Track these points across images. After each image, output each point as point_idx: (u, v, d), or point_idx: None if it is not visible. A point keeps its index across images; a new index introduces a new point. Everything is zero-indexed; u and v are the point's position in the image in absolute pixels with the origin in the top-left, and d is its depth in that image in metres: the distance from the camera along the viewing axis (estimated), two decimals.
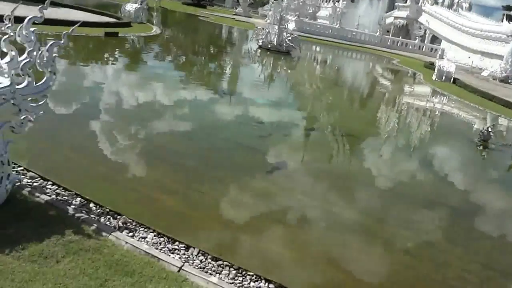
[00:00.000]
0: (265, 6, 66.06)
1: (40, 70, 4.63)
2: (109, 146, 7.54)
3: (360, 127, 12.97)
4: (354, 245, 5.70)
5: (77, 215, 4.80)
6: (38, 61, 4.53)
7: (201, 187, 6.56)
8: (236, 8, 64.49)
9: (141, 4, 28.49)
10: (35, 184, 5.36)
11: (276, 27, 25.12)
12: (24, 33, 4.56)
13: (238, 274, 4.50)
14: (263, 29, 26.12)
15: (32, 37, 4.55)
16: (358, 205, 7.10)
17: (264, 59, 24.18)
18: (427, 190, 8.48)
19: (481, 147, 12.20)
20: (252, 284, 4.41)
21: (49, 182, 5.48)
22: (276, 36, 25.13)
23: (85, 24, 20.93)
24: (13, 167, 5.54)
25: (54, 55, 4.64)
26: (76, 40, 17.94)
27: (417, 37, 47.00)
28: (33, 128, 6.26)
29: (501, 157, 12.16)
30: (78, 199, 5.25)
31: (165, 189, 6.30)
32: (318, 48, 37.28)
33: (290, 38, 25.50)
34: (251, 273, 4.53)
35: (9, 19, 4.55)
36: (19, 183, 5.11)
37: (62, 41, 4.66)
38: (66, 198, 5.20)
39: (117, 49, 18.39)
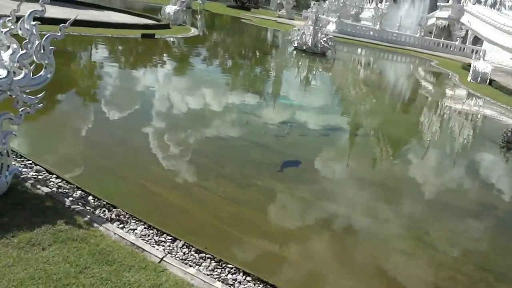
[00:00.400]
0: (309, 8, 65.57)
1: (38, 62, 4.78)
2: (122, 141, 7.71)
3: (388, 128, 12.68)
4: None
5: (73, 206, 4.94)
6: (35, 53, 4.66)
7: (206, 183, 6.60)
8: (279, 10, 64.41)
9: (180, 6, 29.10)
10: (39, 177, 5.55)
11: (311, 28, 24.81)
12: (25, 26, 4.72)
13: (218, 266, 4.54)
14: (298, 30, 25.89)
15: (34, 31, 4.70)
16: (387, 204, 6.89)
17: (298, 61, 24.02)
18: (447, 191, 8.13)
19: (504, 149, 11.72)
20: (229, 276, 4.44)
21: (54, 176, 5.66)
22: (311, 37, 24.83)
23: (123, 26, 21.81)
24: (22, 161, 5.79)
25: (51, 47, 4.75)
26: (113, 41, 18.57)
27: (458, 38, 44.98)
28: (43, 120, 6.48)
29: None
30: (79, 192, 5.40)
31: (169, 184, 6.36)
32: (356, 50, 36.64)
33: (325, 39, 25.10)
34: (230, 266, 4.56)
35: (12, 13, 4.74)
36: (22, 176, 5.30)
37: (59, 34, 4.77)
38: (66, 190, 5.35)
39: (150, 50, 18.87)
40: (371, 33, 46.07)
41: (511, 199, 8.78)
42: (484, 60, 27.99)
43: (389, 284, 4.99)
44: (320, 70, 22.54)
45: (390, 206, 7.18)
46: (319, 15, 25.76)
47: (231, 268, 4.53)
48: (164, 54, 18.98)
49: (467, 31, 48.46)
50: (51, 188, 5.28)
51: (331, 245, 5.63)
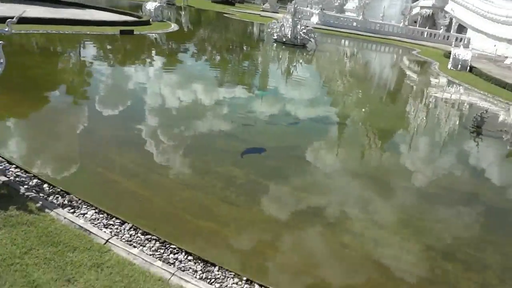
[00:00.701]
0: (293, 1, 65.59)
1: None
2: (85, 131, 7.96)
3: (360, 115, 13.01)
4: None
5: (27, 194, 5.17)
6: None
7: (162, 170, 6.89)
8: (263, 4, 64.40)
9: (160, 3, 29.17)
10: None
11: (290, 20, 25.01)
12: None
13: (162, 247, 4.81)
14: (278, 22, 26.08)
15: None
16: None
17: (277, 53, 24.24)
18: (413, 174, 8.48)
19: (474, 133, 12.04)
20: (171, 255, 4.71)
21: (13, 166, 5.90)
22: (290, 29, 25.05)
23: (103, 23, 21.92)
24: None
25: (0, 42, 4.97)
26: (91, 38, 18.72)
27: (442, 27, 45.37)
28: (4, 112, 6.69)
29: (490, 143, 11.78)
30: (35, 180, 5.64)
31: (127, 172, 6.63)
32: (339, 41, 36.92)
33: (305, 30, 25.33)
34: (173, 246, 4.84)
35: None
36: None
37: (6, 29, 4.98)
38: (23, 179, 5.59)
39: (127, 45, 19.06)
40: (355, 24, 46.35)
41: (472, 181, 9.10)
42: (464, 47, 28.38)
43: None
44: (300, 61, 22.77)
45: (346, 189, 7.49)
46: (302, 8, 25.97)
47: (174, 249, 4.82)
48: (140, 49, 19.14)
49: (451, 19, 48.82)
50: (8, 177, 5.53)
51: (278, 228, 5.91)
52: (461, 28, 48.27)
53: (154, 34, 23.02)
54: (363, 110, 14.01)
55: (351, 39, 38.54)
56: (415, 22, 53.72)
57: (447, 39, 45.18)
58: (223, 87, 14.04)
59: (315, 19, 43.92)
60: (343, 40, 37.51)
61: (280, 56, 23.50)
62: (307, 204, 6.64)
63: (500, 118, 14.80)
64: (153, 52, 19.04)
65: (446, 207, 7.28)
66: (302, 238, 5.68)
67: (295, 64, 21.78)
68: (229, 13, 48.75)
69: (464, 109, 16.27)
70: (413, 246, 5.79)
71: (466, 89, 19.75)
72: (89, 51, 16.74)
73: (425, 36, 46.47)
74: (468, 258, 5.76)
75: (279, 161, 8.20)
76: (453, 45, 29.01)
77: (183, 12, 41.34)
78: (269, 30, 26.46)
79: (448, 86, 20.55)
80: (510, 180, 9.33)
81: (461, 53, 25.90)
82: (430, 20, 53.40)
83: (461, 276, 5.30)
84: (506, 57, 33.47)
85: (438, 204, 7.36)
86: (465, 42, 46.43)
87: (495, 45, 38.41)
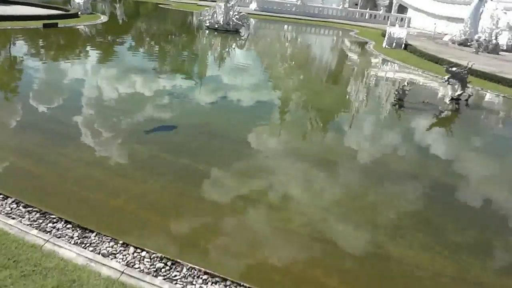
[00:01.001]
0: None
1: None
2: None
3: (287, 94, 13.35)
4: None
5: None
6: None
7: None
8: None
9: None
10: None
11: (223, 6, 25.07)
12: None
13: (42, 217, 4.93)
14: (210, 8, 26.05)
15: None
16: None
17: (210, 39, 24.26)
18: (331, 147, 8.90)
19: (396, 106, 12.56)
20: (50, 224, 4.84)
21: None
22: (222, 15, 25.13)
23: (25, 18, 21.13)
24: None
25: None
26: (11, 33, 18.06)
27: (382, 8, 46.85)
28: None
29: (410, 114, 12.41)
30: None
31: (22, 153, 6.63)
32: (277, 26, 37.29)
33: (237, 16, 25.49)
34: (53, 216, 4.96)
35: None
36: None
37: None
38: None
39: (48, 38, 18.57)
40: (294, 9, 46.96)
41: (393, 154, 9.55)
42: (400, 26, 29.33)
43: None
44: (232, 47, 22.90)
45: (250, 160, 7.78)
46: None
47: (54, 218, 4.93)
48: (62, 41, 18.69)
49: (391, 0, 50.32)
50: None
51: (171, 197, 6.09)
52: (403, 9, 49.95)
53: (81, 26, 22.44)
54: (282, 89, 14.36)
55: (290, 24, 39.07)
56: (356, 4, 55.06)
57: (388, 20, 46.61)
58: (144, 74, 13.97)
59: (253, 6, 44.19)
60: (281, 25, 37.94)
61: (213, 42, 23.56)
62: (202, 175, 6.85)
63: (424, 91, 15.54)
64: (77, 43, 18.61)
65: (374, 182, 7.43)
66: (191, 207, 5.89)
67: (227, 49, 21.90)
68: (164, 4, 47.91)
69: (392, 84, 16.92)
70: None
71: (398, 65, 20.55)
72: (6, 46, 16.19)
73: (366, 17, 47.67)
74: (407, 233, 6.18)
75: (188, 138, 8.35)
76: (388, 24, 29.94)
77: (118, 4, 40.30)
78: (201, 17, 26.35)
79: (382, 64, 21.26)
80: (428, 150, 9.76)
81: (396, 32, 26.71)
82: (371, 2, 54.83)
83: (404, 252, 5.41)
84: (446, 34, 34.71)
85: (366, 179, 7.52)
86: (406, 21, 48.30)
87: (435, 23, 39.96)
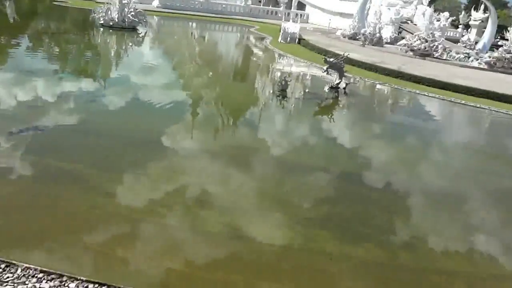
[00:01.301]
0: None
1: None
2: None
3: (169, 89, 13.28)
4: None
5: None
6: None
7: None
8: None
9: None
10: None
11: (118, 2, 24.23)
12: None
13: None
14: (104, 5, 25.02)
15: None
16: None
17: (104, 38, 23.36)
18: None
19: (280, 97, 13.14)
20: None
21: None
22: (117, 12, 24.31)
23: None
24: None
25: None
26: None
27: (282, 4, 48.51)
28: None
29: (293, 104, 13.10)
30: None
31: None
32: (179, 23, 37.03)
33: (133, 13, 24.81)
34: None
35: None
36: None
37: None
38: None
39: None
40: (199, 5, 46.93)
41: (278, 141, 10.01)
42: (294, 21, 30.60)
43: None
44: (129, 45, 22.29)
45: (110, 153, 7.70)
46: None
47: None
48: None
49: None
50: None
51: (28, 192, 5.87)
52: (303, 5, 52.23)
53: None
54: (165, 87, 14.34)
55: (193, 21, 38.98)
56: (260, 1, 56.59)
57: (288, 16, 48.46)
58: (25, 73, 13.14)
59: (155, 3, 43.43)
60: (184, 22, 37.74)
61: (108, 41, 22.73)
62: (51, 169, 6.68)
63: (311, 81, 16.47)
64: None
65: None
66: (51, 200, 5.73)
67: (123, 47, 21.30)
68: (60, 1, 45.10)
69: (281, 77, 17.65)
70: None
71: (290, 58, 21.54)
72: None
73: (269, 14, 49.18)
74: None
75: (57, 138, 8.05)
76: (283, 20, 31.17)
77: (7, 2, 37.16)
78: (94, 14, 25.22)
79: (276, 58, 22.12)
80: (307, 136, 10.39)
81: (290, 27, 28.00)
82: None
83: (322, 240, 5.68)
84: (340, 29, 36.69)
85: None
86: (305, 17, 50.57)
87: (330, 19, 42.47)
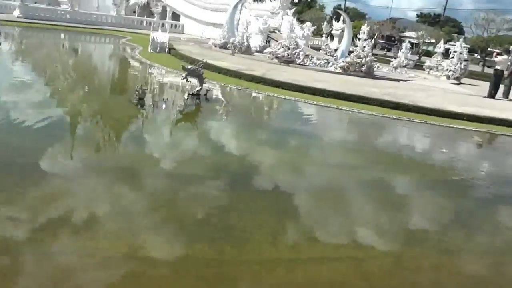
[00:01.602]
0: None
1: None
2: None
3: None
4: None
5: None
6: None
7: None
8: None
9: None
10: None
11: None
12: None
13: None
14: None
15: None
16: None
17: None
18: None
19: (138, 106, 12.80)
20: None
21: None
22: None
23: None
24: None
25: None
26: None
27: (156, 15, 47.92)
28: None
29: (152, 112, 12.97)
30: None
31: None
32: (43, 34, 34.41)
33: None
34: None
35: None
36: None
37: None
38: None
39: None
40: (67, 15, 44.20)
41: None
42: (162, 31, 30.32)
43: None
44: None
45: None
46: None
47: None
48: None
49: (163, 7, 51.91)
50: None
51: None
52: (178, 16, 52.16)
53: None
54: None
55: (60, 31, 36.48)
56: (134, 12, 55.27)
57: (163, 26, 47.91)
58: None
59: (16, 13, 39.84)
60: (50, 33, 35.17)
61: None
62: None
63: (173, 91, 16.43)
64: None
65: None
66: None
67: None
68: None
69: (137, 85, 17.31)
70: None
71: (157, 68, 21.31)
72: None
73: (143, 24, 48.15)
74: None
75: None
76: (151, 30, 30.70)
77: None
78: None
79: (143, 68, 21.70)
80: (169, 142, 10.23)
81: (159, 36, 27.77)
82: (147, 9, 55.61)
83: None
84: (212, 39, 37.16)
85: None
86: (180, 27, 50.62)
87: (204, 29, 43.07)
